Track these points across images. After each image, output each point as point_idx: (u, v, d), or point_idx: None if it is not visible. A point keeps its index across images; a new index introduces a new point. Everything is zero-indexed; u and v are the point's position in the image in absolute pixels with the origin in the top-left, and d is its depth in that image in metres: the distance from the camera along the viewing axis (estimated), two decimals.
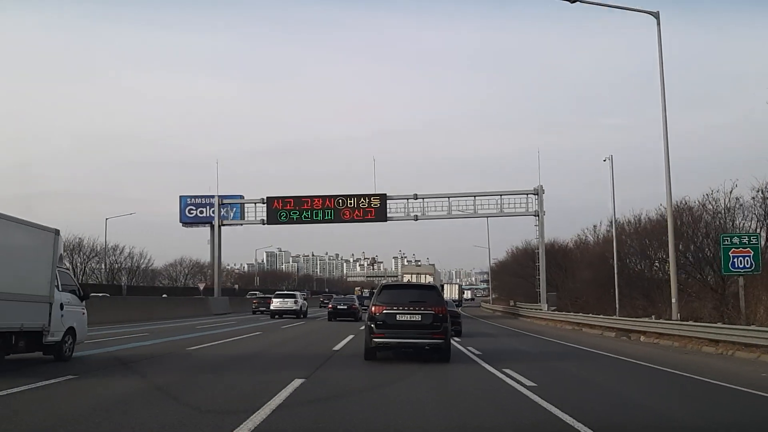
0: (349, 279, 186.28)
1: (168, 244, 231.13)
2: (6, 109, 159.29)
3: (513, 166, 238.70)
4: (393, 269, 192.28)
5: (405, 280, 57.26)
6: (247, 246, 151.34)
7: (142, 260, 75.54)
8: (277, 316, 37.97)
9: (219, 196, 50.32)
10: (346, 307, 35.29)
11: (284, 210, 49.06)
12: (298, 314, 38.44)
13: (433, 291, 14.77)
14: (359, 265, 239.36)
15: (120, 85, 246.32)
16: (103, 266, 67.29)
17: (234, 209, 52.39)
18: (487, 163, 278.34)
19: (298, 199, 49.31)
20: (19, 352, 11.37)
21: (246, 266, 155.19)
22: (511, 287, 66.80)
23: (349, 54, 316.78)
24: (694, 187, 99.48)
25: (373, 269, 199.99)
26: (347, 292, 75.74)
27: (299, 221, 49.38)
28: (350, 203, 48.71)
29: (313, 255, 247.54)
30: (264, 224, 49.70)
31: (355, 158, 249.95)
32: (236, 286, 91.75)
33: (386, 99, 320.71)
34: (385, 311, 13.45)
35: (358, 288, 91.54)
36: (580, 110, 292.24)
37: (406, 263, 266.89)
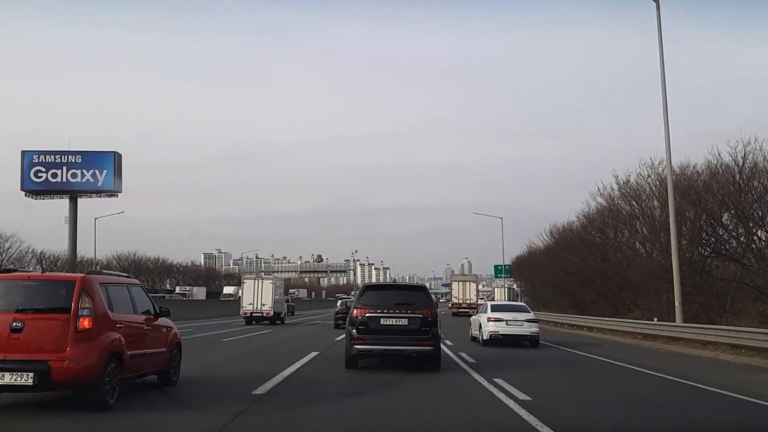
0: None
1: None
2: None
3: None
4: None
5: (455, 288, 56.34)
6: (185, 242, 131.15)
7: None
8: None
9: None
10: None
11: None
12: None
13: (422, 292, 13.62)
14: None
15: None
16: None
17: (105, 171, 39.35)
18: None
19: None
20: (278, 319, 34.88)
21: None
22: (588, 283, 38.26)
23: (312, 60, 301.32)
24: None
25: (319, 263, 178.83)
26: None
27: None
28: None
29: (257, 257, 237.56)
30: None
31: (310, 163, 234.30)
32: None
33: (346, 105, 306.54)
34: (367, 314, 12.58)
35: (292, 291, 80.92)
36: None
37: (359, 264, 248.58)
